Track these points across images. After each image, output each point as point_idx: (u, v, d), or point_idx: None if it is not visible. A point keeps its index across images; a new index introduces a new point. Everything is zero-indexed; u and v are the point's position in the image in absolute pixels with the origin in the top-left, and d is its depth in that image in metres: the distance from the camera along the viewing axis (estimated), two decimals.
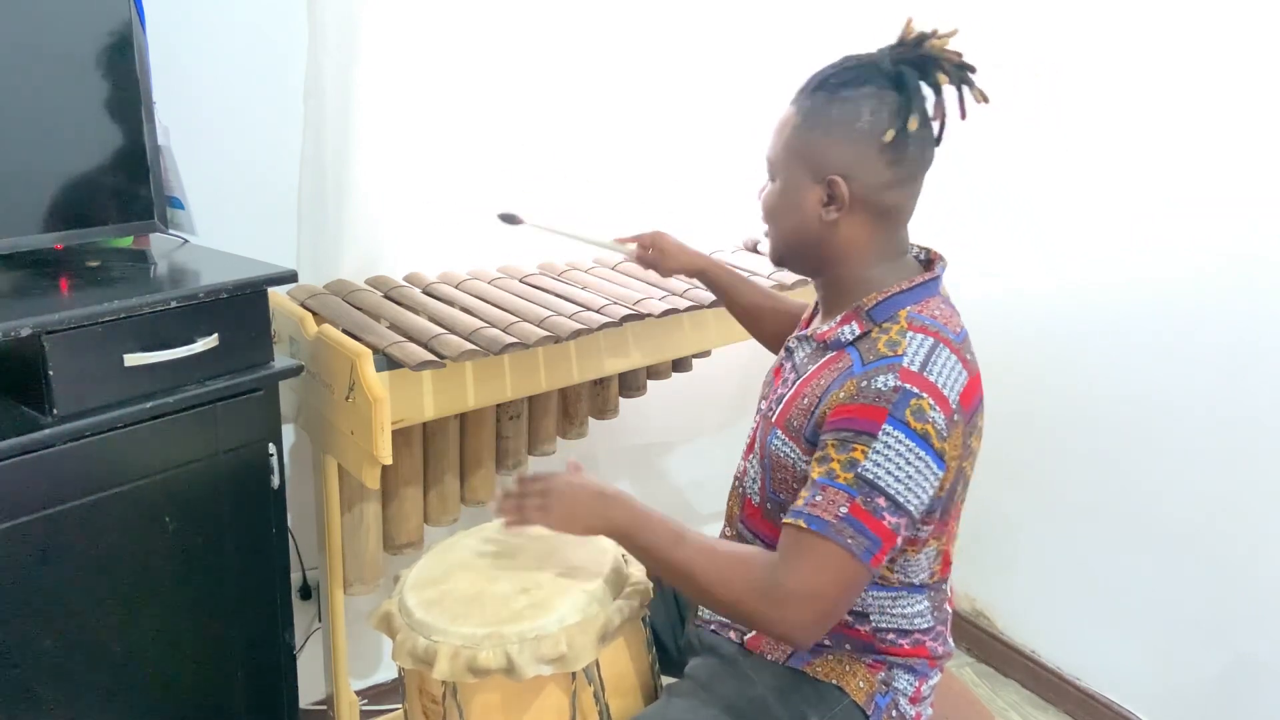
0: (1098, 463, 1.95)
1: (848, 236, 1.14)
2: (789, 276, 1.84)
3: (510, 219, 1.56)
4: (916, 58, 1.11)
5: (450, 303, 1.64)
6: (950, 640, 1.26)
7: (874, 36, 1.18)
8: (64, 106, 1.27)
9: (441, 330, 1.50)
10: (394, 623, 1.21)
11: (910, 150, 1.11)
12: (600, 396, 1.85)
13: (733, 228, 2.10)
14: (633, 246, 1.57)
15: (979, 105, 1.13)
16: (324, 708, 1.85)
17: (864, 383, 1.05)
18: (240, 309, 1.31)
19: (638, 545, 1.15)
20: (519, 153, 1.90)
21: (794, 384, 1.17)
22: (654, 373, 1.91)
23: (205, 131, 1.58)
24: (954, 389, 1.06)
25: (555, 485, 1.19)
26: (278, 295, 1.60)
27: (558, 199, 1.95)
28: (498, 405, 1.66)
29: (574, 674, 1.16)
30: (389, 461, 1.42)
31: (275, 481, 1.39)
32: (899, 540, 1.05)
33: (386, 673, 2.01)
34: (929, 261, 1.20)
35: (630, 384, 1.88)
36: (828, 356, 1.14)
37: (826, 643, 1.20)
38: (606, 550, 1.29)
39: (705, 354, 1.93)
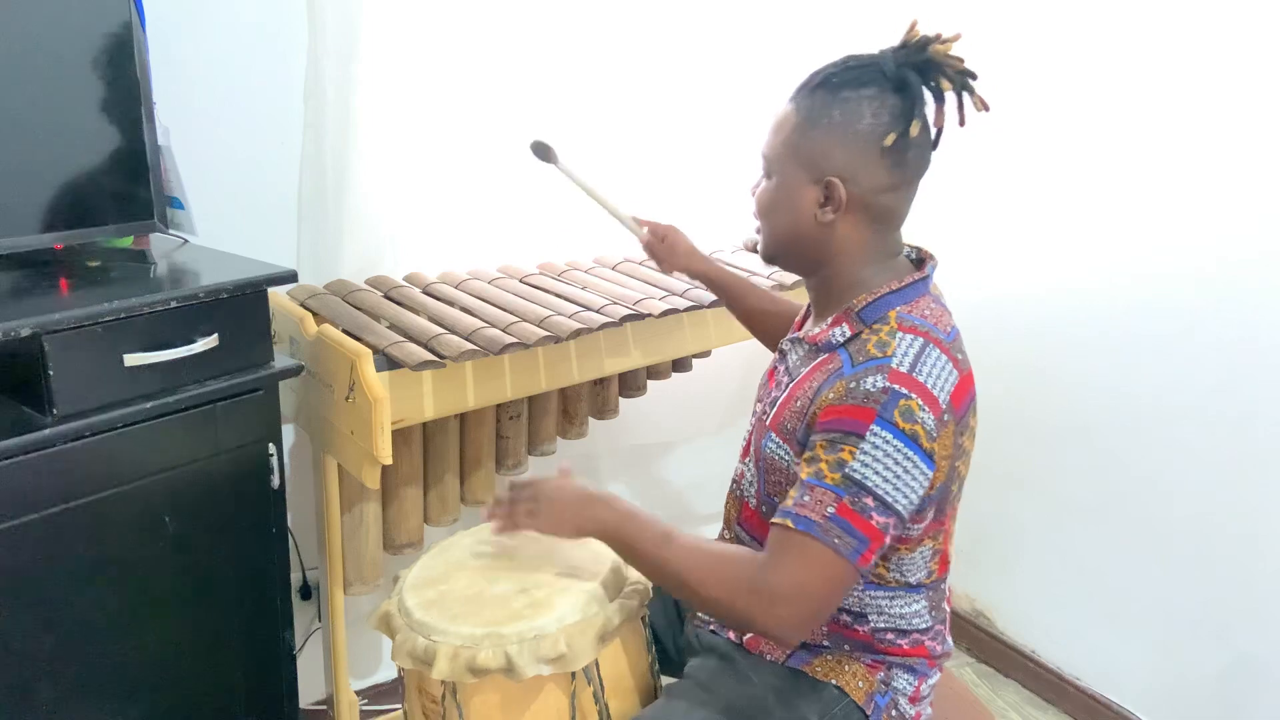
0: (1098, 463, 1.95)
1: (842, 238, 1.13)
2: (788, 276, 1.84)
3: (543, 151, 1.51)
4: (920, 61, 1.11)
5: (450, 303, 1.64)
6: (949, 639, 1.26)
7: (870, 32, 1.18)
8: (64, 106, 1.27)
9: (441, 330, 1.50)
10: (393, 623, 1.21)
11: (910, 154, 1.11)
12: (600, 396, 1.85)
13: (733, 227, 2.10)
14: (645, 231, 1.55)
15: (979, 112, 1.12)
16: (324, 708, 1.85)
17: (853, 384, 1.05)
18: (240, 309, 1.31)
19: (625, 545, 1.15)
20: (519, 153, 1.90)
21: (787, 387, 1.17)
22: (654, 373, 1.91)
23: (205, 131, 1.58)
24: (944, 389, 1.06)
25: (543, 490, 1.20)
26: (278, 295, 1.60)
27: (557, 199, 1.95)
28: (498, 405, 1.66)
29: (573, 674, 1.16)
30: (389, 461, 1.42)
31: (275, 481, 1.39)
32: (888, 539, 1.05)
33: (386, 673, 2.02)
34: (920, 261, 1.19)
35: (630, 384, 1.88)
36: (820, 359, 1.14)
37: (825, 643, 1.20)
38: (605, 550, 1.29)
39: (705, 354, 1.94)
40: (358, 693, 1.76)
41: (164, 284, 1.31)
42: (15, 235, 1.25)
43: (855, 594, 1.17)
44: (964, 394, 1.10)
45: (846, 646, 1.20)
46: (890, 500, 1.03)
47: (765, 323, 1.53)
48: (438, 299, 1.65)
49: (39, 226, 1.27)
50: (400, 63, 1.69)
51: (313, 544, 1.75)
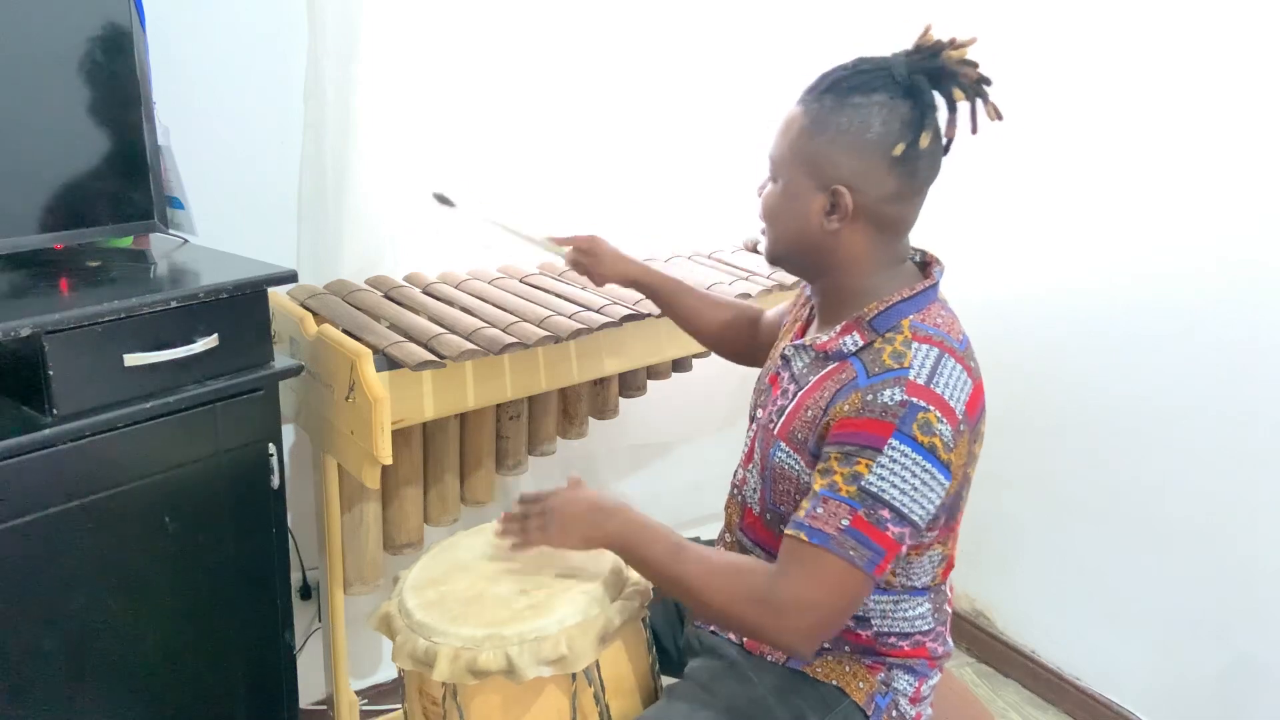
0: (1098, 463, 1.95)
1: (848, 245, 1.12)
2: (788, 277, 1.84)
3: (444, 200, 1.50)
4: (933, 68, 1.08)
5: (450, 303, 1.64)
6: (950, 640, 1.26)
7: (883, 30, 1.16)
8: (64, 106, 1.27)
9: (441, 330, 1.50)
10: (394, 624, 1.21)
11: (919, 164, 1.08)
12: (600, 396, 1.85)
13: (733, 227, 2.10)
14: (568, 249, 1.49)
15: (992, 121, 1.10)
16: (324, 708, 1.85)
17: (870, 396, 1.04)
18: (240, 309, 1.31)
19: (636, 558, 1.15)
20: (519, 152, 1.90)
21: (795, 395, 1.15)
22: (654, 373, 1.91)
23: (205, 131, 1.58)
24: (960, 399, 1.05)
25: (553, 503, 1.20)
26: (278, 295, 1.60)
27: (557, 199, 1.95)
28: (498, 405, 1.66)
29: (574, 675, 1.16)
30: (389, 461, 1.42)
31: (275, 481, 1.39)
32: (903, 549, 1.05)
33: (386, 673, 2.01)
34: (925, 265, 1.18)
35: (630, 384, 1.88)
36: (830, 367, 1.12)
37: (827, 645, 1.20)
38: (606, 551, 1.29)
39: (705, 354, 1.93)
40: (358, 693, 1.76)
41: (164, 284, 1.30)
42: (15, 235, 1.25)
43: None
44: (977, 402, 1.10)
45: (848, 648, 1.20)
46: (906, 511, 1.03)
47: (704, 324, 1.48)
48: (438, 299, 1.65)
49: (39, 227, 1.27)
50: (400, 63, 1.69)
51: (313, 544, 1.75)
